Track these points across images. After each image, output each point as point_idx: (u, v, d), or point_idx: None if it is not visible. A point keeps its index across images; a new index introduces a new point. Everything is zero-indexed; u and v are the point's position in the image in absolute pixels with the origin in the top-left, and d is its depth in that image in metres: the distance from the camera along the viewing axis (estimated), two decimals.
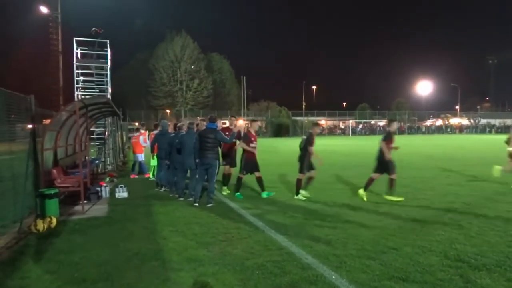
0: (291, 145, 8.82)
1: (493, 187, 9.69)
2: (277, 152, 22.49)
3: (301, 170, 8.47)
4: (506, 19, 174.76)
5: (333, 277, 4.19)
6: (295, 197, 8.51)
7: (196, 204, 7.89)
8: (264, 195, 8.71)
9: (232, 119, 10.14)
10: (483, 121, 66.13)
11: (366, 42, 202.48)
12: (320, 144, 33.00)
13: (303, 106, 69.22)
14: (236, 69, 71.78)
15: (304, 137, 8.56)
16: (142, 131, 13.20)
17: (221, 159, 8.96)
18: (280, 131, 55.49)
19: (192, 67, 61.02)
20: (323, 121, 65.83)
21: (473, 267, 4.42)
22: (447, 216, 6.76)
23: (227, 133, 8.76)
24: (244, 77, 62.63)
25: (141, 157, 12.85)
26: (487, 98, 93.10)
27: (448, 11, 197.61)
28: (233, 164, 9.46)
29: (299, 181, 8.52)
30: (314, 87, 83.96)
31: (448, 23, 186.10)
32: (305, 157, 8.38)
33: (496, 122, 66.06)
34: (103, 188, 9.16)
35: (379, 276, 4.20)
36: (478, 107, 79.80)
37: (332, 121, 70.15)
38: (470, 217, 6.67)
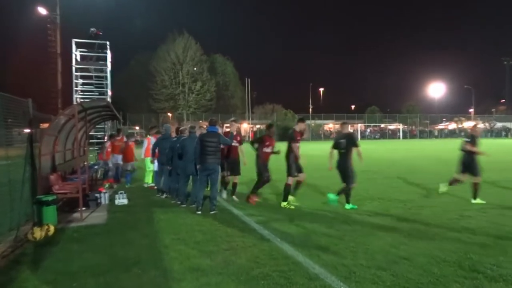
0: None
1: (511, 193, 9.59)
2: (282, 157, 22.46)
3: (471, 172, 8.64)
4: None
5: None
6: (474, 201, 8.51)
7: (199, 212, 7.90)
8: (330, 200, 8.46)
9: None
10: (499, 124, 65.67)
11: (376, 42, 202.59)
12: (328, 148, 32.76)
13: (310, 109, 69.17)
14: (240, 71, 72.16)
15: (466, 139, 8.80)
16: (118, 137, 12.44)
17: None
18: (286, 135, 55.42)
19: (195, 69, 61.24)
20: (331, 125, 65.82)
21: (489, 278, 4.37)
22: (462, 224, 6.71)
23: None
24: (249, 79, 62.90)
25: (109, 163, 12.23)
26: (503, 101, 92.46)
27: (462, 10, 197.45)
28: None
29: (476, 184, 8.55)
30: (321, 89, 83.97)
31: (461, 23, 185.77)
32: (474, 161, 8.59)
33: None
34: (102, 195, 9.19)
35: (390, 287, 4.17)
36: (493, 110, 79.29)
37: (340, 125, 69.89)
38: (486, 225, 6.61)
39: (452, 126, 66.94)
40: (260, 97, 77.39)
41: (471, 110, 72.31)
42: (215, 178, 8.07)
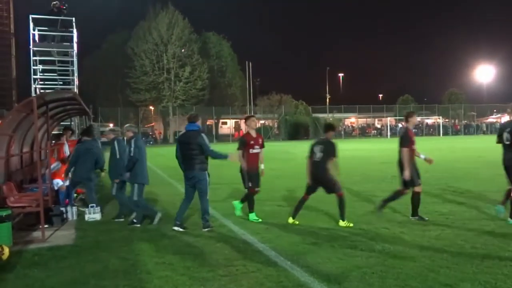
0: None
1: None
2: (293, 159, 22.49)
3: None
4: None
5: None
6: None
7: (182, 229, 7.93)
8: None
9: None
10: None
11: (408, 16, 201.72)
12: (351, 148, 32.93)
13: (327, 100, 69.22)
14: (240, 53, 72.14)
15: None
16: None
17: None
18: (297, 132, 55.51)
19: (183, 50, 61.35)
20: (353, 119, 65.83)
21: None
22: None
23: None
24: (250, 63, 62.99)
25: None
26: None
27: None
28: None
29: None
30: (340, 75, 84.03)
31: None
32: None
33: None
34: (69, 209, 9.23)
35: None
36: None
37: (365, 119, 69.96)
38: None
39: (505, 118, 66.71)
40: (264, 86, 77.72)
41: None
42: (203, 188, 8.03)
